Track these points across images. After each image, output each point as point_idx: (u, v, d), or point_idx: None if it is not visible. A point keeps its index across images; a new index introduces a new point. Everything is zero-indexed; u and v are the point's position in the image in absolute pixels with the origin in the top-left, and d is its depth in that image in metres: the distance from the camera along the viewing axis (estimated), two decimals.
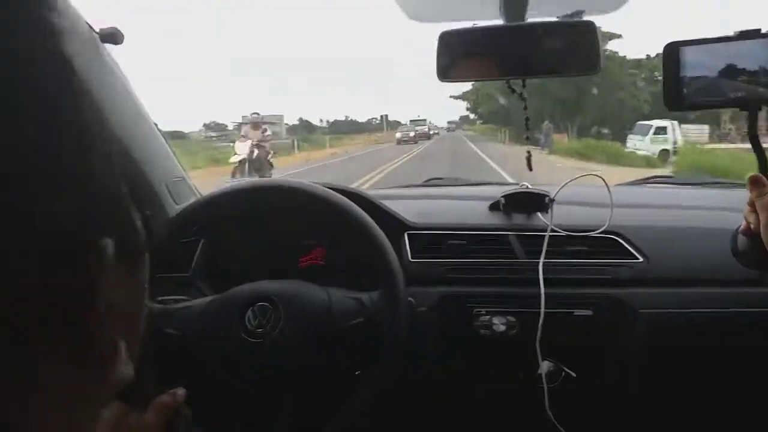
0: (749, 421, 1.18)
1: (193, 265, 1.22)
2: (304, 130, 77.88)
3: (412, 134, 41.70)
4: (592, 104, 29.93)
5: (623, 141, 23.35)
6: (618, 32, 27.40)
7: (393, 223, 1.26)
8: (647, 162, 17.27)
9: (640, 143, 20.49)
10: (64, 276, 0.26)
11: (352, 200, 1.08)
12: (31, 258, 0.24)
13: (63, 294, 0.26)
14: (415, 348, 1.04)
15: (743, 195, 0.84)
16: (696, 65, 0.81)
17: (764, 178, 0.81)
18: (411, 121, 58.97)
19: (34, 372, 0.25)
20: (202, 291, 1.16)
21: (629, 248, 1.19)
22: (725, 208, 1.32)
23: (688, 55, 0.82)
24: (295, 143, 36.08)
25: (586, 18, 0.93)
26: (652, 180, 1.78)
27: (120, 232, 0.30)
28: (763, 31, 0.78)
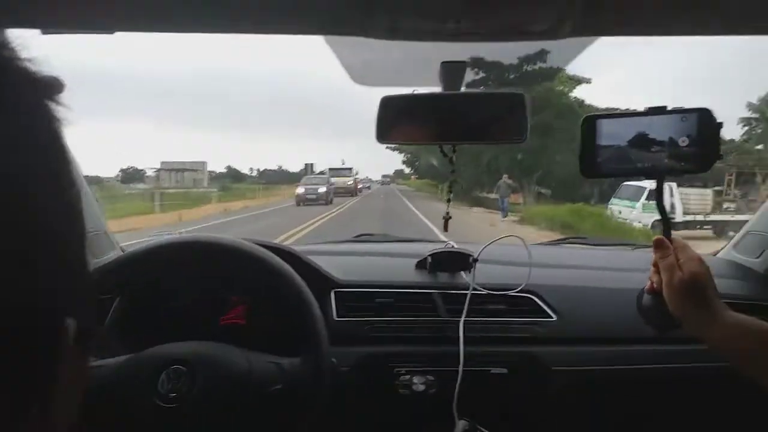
0: None
1: (107, 322, 1.15)
2: (231, 179, 75.30)
3: (321, 189, 25.95)
4: (551, 158, 24.46)
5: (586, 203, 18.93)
6: (588, 77, 25.04)
7: (321, 281, 1.26)
8: (648, 237, 12.35)
9: (626, 210, 15.23)
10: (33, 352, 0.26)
11: (279, 256, 1.08)
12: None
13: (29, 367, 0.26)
14: (334, 407, 1.02)
15: (650, 256, 0.92)
16: (610, 136, 0.90)
17: (668, 241, 0.89)
18: (330, 169, 42.31)
19: None
20: (114, 351, 1.10)
21: (544, 306, 1.25)
22: (633, 269, 1.42)
23: (604, 126, 0.90)
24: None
25: (515, 90, 1.01)
26: (567, 241, 1.91)
27: (81, 312, 0.30)
28: (669, 108, 0.88)
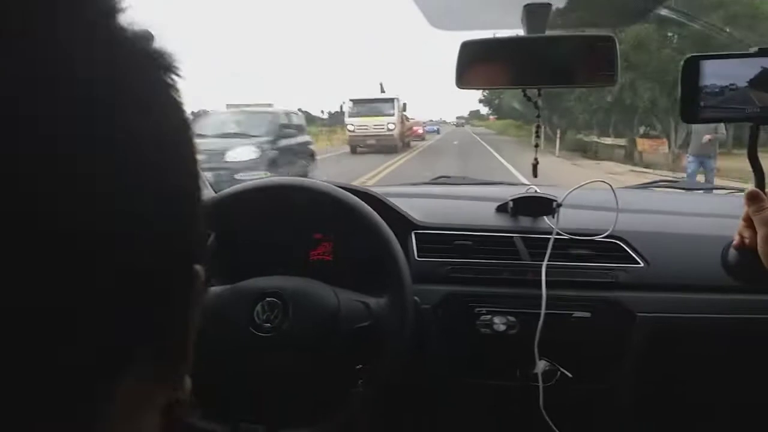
0: (747, 423, 1.23)
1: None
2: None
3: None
4: None
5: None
6: None
7: (401, 222, 1.28)
8: None
9: None
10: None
11: (361, 198, 1.11)
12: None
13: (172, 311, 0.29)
14: (417, 344, 1.07)
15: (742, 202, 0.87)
16: (715, 78, 0.83)
17: (762, 193, 0.84)
18: (354, 102, 21.58)
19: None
20: (210, 284, 1.19)
21: (631, 253, 1.23)
22: (728, 215, 1.35)
23: (708, 68, 0.84)
24: None
25: (605, 32, 0.96)
26: (658, 184, 1.82)
27: (203, 257, 0.32)
28: None
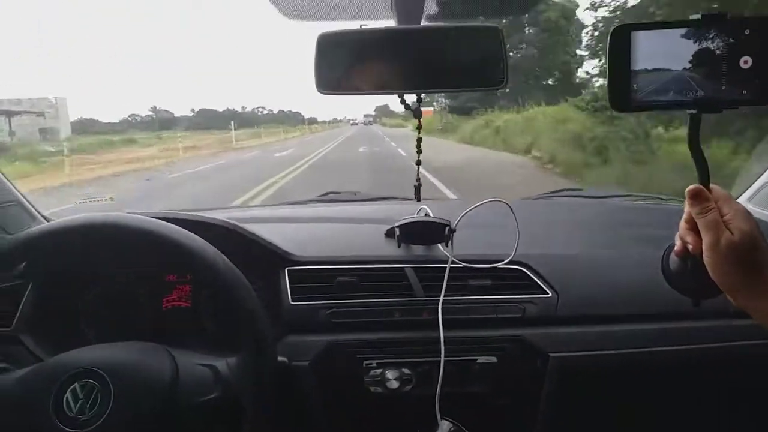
0: None
1: (17, 316, 0.97)
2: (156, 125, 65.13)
3: None
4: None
5: None
6: None
7: (270, 258, 1.08)
8: None
9: None
10: None
11: (212, 232, 0.90)
12: None
13: None
14: (291, 412, 0.87)
15: (665, 210, 0.72)
16: (648, 55, 0.68)
17: (706, 191, 0.70)
18: None
19: None
20: (29, 351, 0.94)
21: (537, 281, 1.07)
22: (641, 226, 1.25)
23: (641, 42, 0.68)
24: None
25: (489, 23, 0.78)
26: (560, 193, 1.67)
27: None
28: (729, 15, 0.65)
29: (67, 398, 0.76)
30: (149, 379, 0.79)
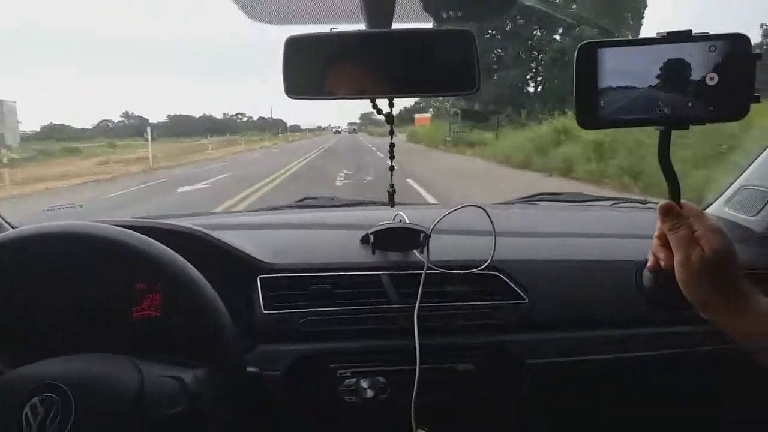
0: None
1: None
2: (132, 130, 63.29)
3: None
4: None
5: None
6: None
7: (242, 266, 1.06)
8: None
9: None
10: None
11: (180, 239, 0.89)
12: None
13: None
14: (263, 423, 0.84)
15: (641, 217, 0.73)
16: (615, 72, 0.68)
17: (678, 207, 0.70)
18: None
19: None
20: None
21: (513, 286, 1.06)
22: (619, 233, 1.24)
23: (607, 58, 0.68)
24: None
25: (460, 27, 0.77)
26: (538, 197, 1.65)
27: None
28: (694, 33, 0.66)
29: (26, 414, 0.73)
30: (113, 392, 0.76)
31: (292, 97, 0.79)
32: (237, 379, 0.81)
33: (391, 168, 0.97)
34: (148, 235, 0.86)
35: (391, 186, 0.98)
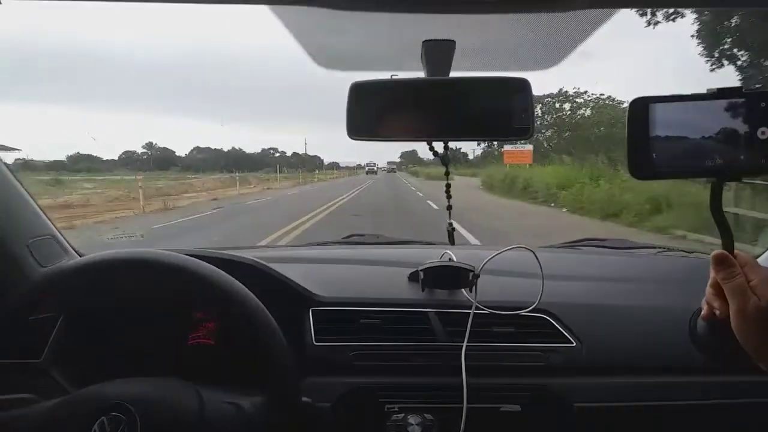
0: None
1: (47, 348, 0.99)
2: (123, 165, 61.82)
3: None
4: None
5: None
6: None
7: (295, 298, 1.10)
8: None
9: None
10: None
11: (239, 271, 0.92)
12: None
13: None
14: None
15: (685, 264, 0.73)
16: (667, 125, 0.70)
17: (731, 256, 0.70)
18: None
19: None
20: (57, 384, 0.95)
21: (561, 330, 1.06)
22: (667, 279, 1.23)
23: (659, 113, 0.70)
24: None
25: (517, 75, 0.81)
26: (583, 243, 1.66)
27: None
28: (744, 89, 0.68)
29: (94, 431, 0.77)
30: (176, 414, 0.80)
31: (353, 138, 0.84)
32: (292, 408, 0.83)
33: (449, 207, 1.00)
34: (212, 265, 0.90)
35: (450, 224, 1.01)
